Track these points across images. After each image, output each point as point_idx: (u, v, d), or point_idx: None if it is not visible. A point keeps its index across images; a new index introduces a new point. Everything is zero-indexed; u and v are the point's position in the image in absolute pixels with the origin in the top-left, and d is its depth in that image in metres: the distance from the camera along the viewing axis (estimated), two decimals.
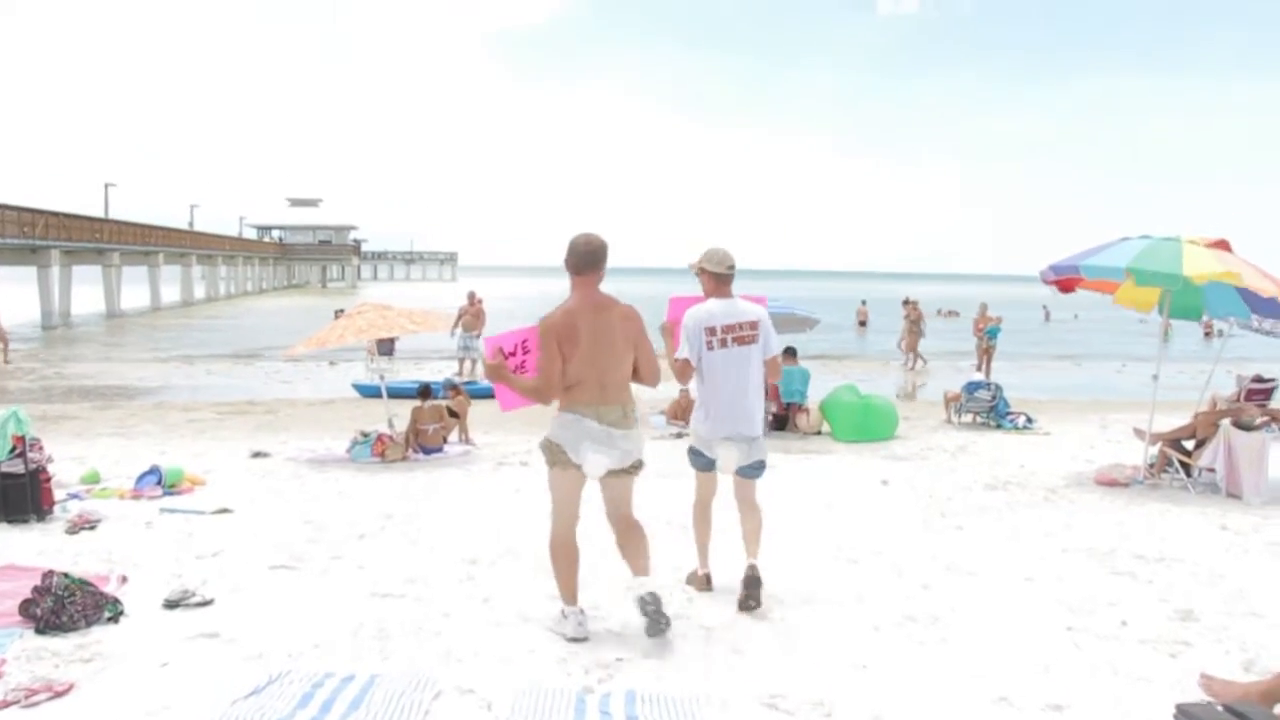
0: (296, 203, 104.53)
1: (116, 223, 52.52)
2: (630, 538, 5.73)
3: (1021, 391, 19.03)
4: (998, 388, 15.65)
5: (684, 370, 6.18)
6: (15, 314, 42.21)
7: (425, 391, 12.96)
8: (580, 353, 5.34)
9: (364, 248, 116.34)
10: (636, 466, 5.62)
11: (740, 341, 6.13)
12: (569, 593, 5.68)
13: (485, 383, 11.21)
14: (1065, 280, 10.58)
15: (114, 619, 5.86)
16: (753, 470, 6.30)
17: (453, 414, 13.17)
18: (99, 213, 54.56)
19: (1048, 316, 53.35)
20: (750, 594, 6.04)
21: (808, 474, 11.15)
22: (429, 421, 12.54)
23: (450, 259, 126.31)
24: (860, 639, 5.59)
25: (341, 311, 18.70)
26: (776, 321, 14.57)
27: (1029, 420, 15.21)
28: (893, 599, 6.31)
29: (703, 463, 6.34)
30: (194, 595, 6.26)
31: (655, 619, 5.39)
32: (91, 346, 33.70)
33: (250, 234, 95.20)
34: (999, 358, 24.87)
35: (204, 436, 14.38)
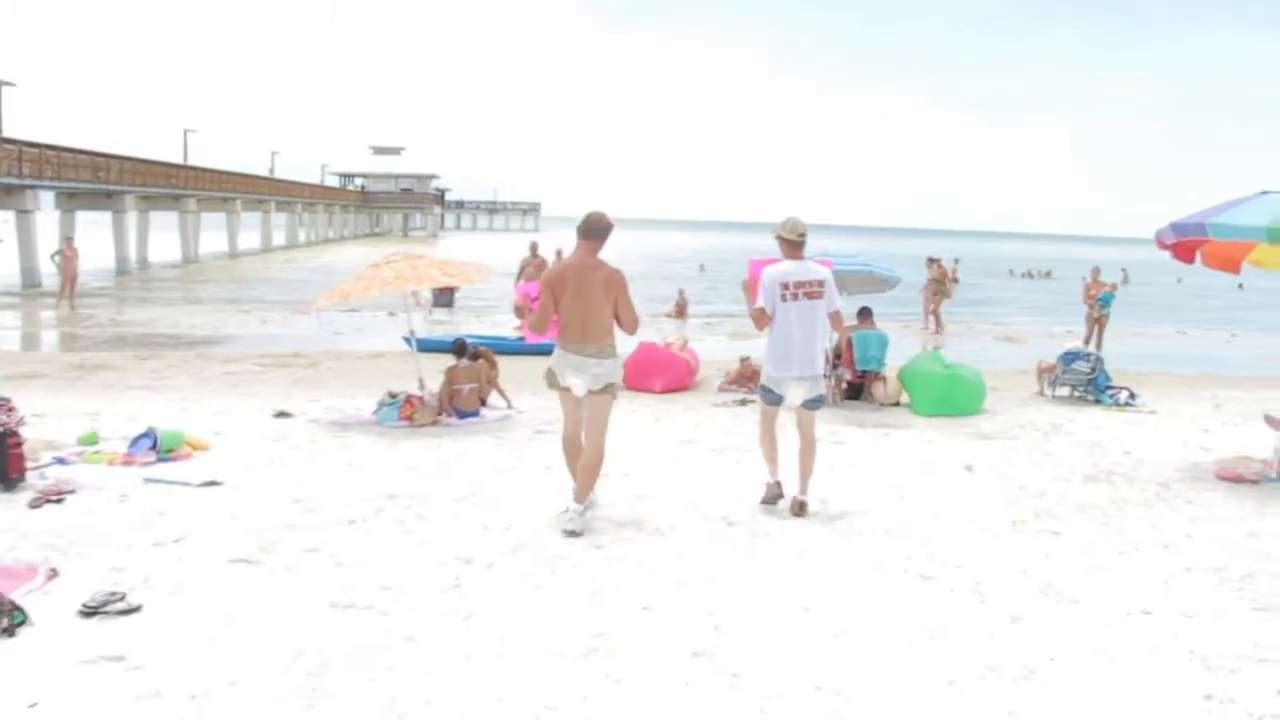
0: (379, 151, 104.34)
1: (193, 168, 52.24)
2: (590, 462, 6.95)
3: (1119, 361, 17.27)
4: (1098, 359, 14.08)
5: (760, 318, 7.32)
6: (91, 259, 42.28)
7: (461, 348, 11.83)
8: (567, 299, 6.83)
9: (447, 197, 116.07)
10: (609, 388, 6.92)
11: (810, 296, 7.27)
12: (574, 474, 7.05)
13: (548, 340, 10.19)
14: (1186, 243, 9.05)
15: (9, 631, 4.82)
16: (814, 403, 7.45)
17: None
18: (178, 159, 54.44)
19: (1125, 279, 50.31)
20: (798, 512, 7.27)
21: (881, 452, 9.83)
22: (464, 381, 11.44)
23: (533, 209, 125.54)
24: (931, 699, 4.31)
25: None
26: (853, 280, 13.19)
27: (1131, 396, 13.62)
28: (974, 637, 5.02)
29: (772, 399, 7.46)
30: (120, 599, 5.21)
31: (571, 529, 6.72)
32: (158, 292, 33.30)
33: (332, 182, 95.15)
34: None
35: (235, 391, 13.48)
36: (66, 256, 25.63)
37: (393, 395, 11.26)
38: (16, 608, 4.94)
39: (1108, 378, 13.87)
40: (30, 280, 32.76)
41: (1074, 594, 5.67)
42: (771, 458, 7.58)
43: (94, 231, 44.23)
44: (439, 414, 11.10)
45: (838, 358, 13.06)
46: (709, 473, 8.68)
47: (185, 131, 57.01)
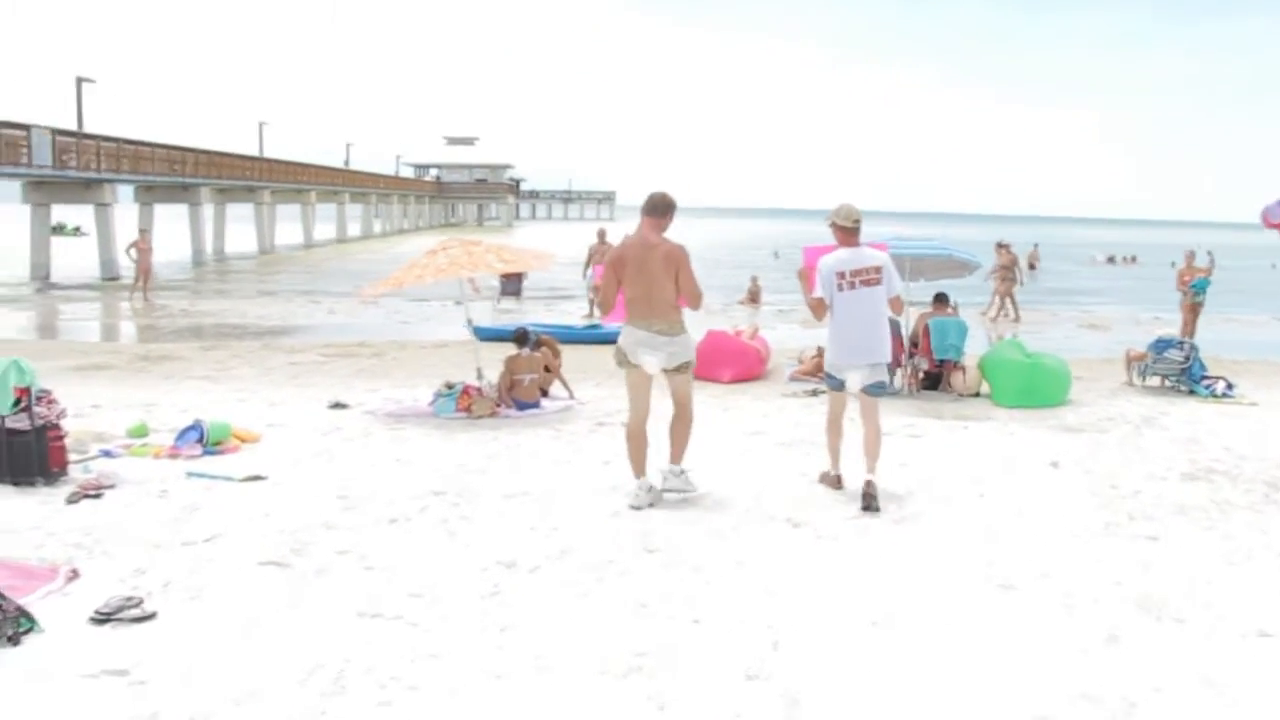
0: (453, 141, 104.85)
1: (267, 160, 52.75)
2: (679, 424, 7.13)
3: (1212, 349, 16.09)
4: (1193, 347, 13.24)
5: (819, 307, 7.24)
6: (170, 251, 42.83)
7: (522, 337, 11.45)
8: (629, 277, 6.89)
9: (522, 187, 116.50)
10: (685, 366, 7.01)
11: (867, 284, 7.13)
12: (638, 469, 7.06)
13: (611, 326, 9.81)
14: None
15: (14, 640, 4.50)
16: (875, 389, 7.29)
17: (544, 367, 11.67)
18: (254, 151, 55.02)
19: (1211, 262, 47.78)
20: (869, 503, 6.87)
21: (960, 447, 9.25)
22: (524, 371, 11.05)
23: (608, 198, 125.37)
24: None
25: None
26: (931, 265, 12.53)
27: (1229, 387, 12.80)
28: (1064, 659, 4.47)
29: (835, 384, 7.37)
30: (136, 605, 4.88)
31: (672, 489, 7.02)
32: (232, 283, 33.58)
33: (407, 173, 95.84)
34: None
35: (294, 382, 13.29)
36: (141, 249, 25.81)
37: (450, 386, 10.93)
38: (24, 614, 4.62)
39: (1203, 367, 13.07)
40: (109, 272, 33.22)
41: (1177, 610, 5.07)
42: (835, 448, 7.49)
43: (172, 224, 44.97)
44: (497, 405, 10.74)
45: (914, 346, 12.47)
46: (776, 468, 8.19)
47: (260, 124, 57.52)
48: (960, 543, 6.19)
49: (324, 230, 64.04)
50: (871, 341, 7.14)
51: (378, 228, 76.70)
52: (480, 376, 11.05)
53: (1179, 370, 12.96)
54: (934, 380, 12.51)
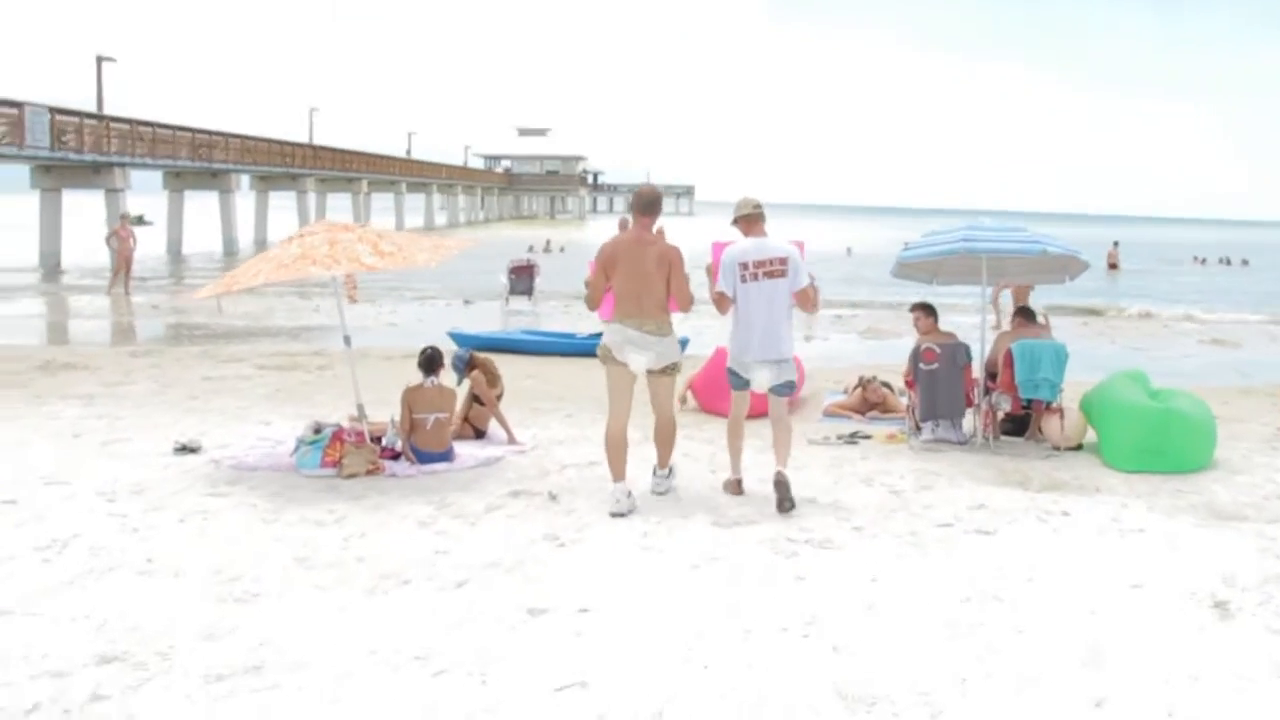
0: (525, 132, 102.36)
1: (310, 147, 50.09)
2: (663, 431, 7.00)
3: None
4: None
5: (721, 302, 6.97)
6: (203, 241, 40.57)
7: (431, 362, 8.17)
8: (619, 274, 6.77)
9: (600, 180, 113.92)
10: (672, 368, 6.86)
11: (770, 275, 6.85)
12: (616, 473, 6.73)
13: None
14: None
15: None
16: (783, 389, 6.98)
17: (477, 399, 8.45)
18: (304, 138, 52.68)
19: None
20: (783, 496, 6.61)
21: (1053, 557, 5.84)
22: (428, 410, 7.82)
23: (687, 193, 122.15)
24: None
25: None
26: (1016, 264, 8.74)
27: None
28: None
29: (740, 383, 7.00)
30: None
31: (659, 491, 7.00)
32: None
33: (476, 163, 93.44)
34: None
35: (185, 404, 10.36)
36: (120, 237, 23.32)
37: (318, 430, 7.73)
38: None
39: None
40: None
41: None
42: (736, 449, 7.20)
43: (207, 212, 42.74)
44: (380, 456, 7.55)
45: (991, 378, 8.96)
46: (746, 601, 4.84)
47: (311, 110, 55.20)
48: None
49: (382, 221, 61.77)
50: (772, 335, 6.86)
51: (441, 220, 74.25)
52: (362, 415, 7.85)
53: None
54: (1019, 424, 9.04)
